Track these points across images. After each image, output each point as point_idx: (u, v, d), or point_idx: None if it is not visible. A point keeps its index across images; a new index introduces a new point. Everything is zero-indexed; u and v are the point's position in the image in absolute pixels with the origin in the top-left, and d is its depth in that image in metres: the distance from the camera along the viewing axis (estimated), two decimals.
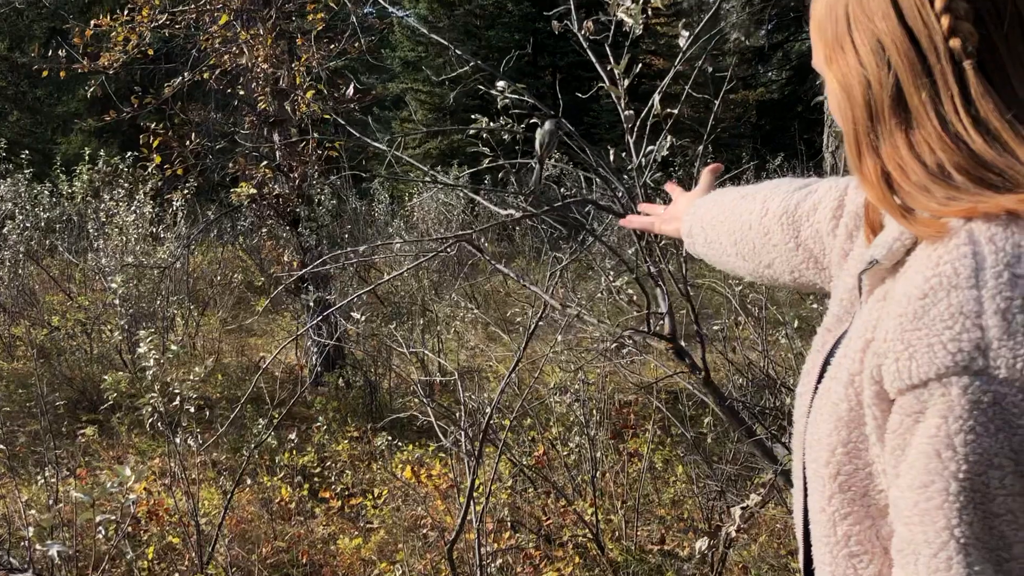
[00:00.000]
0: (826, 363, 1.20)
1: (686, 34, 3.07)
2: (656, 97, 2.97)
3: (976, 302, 0.95)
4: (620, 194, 3.14)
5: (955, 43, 1.01)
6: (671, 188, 2.06)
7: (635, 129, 3.00)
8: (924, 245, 1.03)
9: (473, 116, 3.24)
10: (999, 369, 0.92)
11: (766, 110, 23.75)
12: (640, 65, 3.26)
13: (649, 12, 3.13)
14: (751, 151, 20.13)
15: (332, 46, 7.65)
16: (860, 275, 1.14)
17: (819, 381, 1.20)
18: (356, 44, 7.68)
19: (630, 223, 2.07)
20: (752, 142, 21.37)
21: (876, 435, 1.05)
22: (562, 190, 8.86)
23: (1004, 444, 0.92)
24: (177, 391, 4.98)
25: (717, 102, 3.38)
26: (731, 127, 21.78)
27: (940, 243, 1.00)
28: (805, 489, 1.22)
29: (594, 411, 5.36)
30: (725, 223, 1.69)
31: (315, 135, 7.35)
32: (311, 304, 7.68)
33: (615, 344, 4.57)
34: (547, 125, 2.89)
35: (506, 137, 3.27)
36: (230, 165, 8.12)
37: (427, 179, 8.19)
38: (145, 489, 5.16)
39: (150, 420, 4.98)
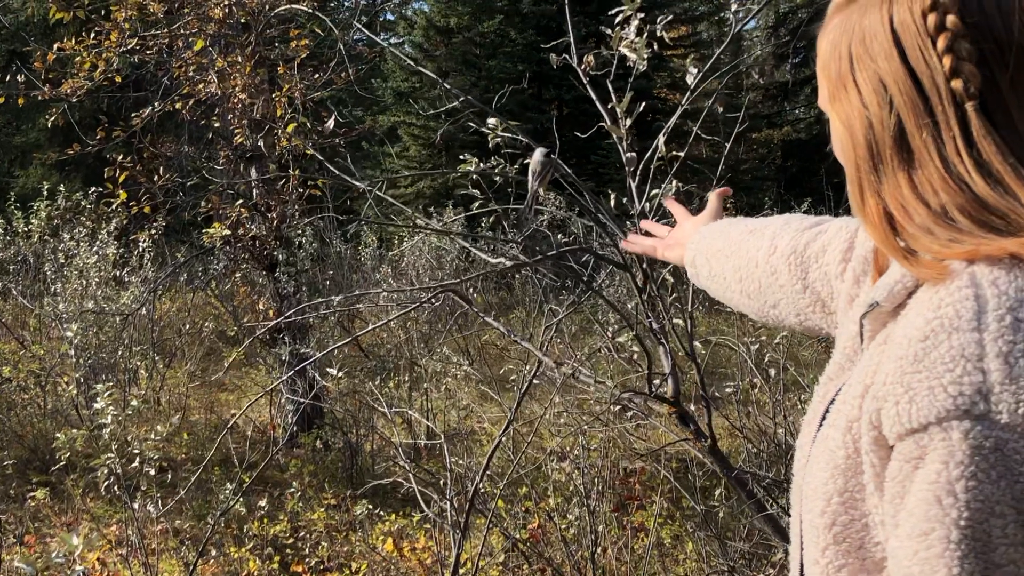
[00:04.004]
0: (826, 412, 1.24)
1: (695, 71, 3.12)
2: (661, 138, 3.02)
3: (978, 345, 0.99)
4: (627, 254, 3.17)
5: (957, 84, 1.07)
6: (672, 205, 2.11)
7: (637, 172, 3.04)
8: (926, 287, 1.09)
9: (462, 156, 3.29)
10: (1001, 414, 0.97)
11: (792, 151, 23.85)
12: (652, 101, 3.32)
13: (655, 46, 3.19)
14: (775, 195, 20.25)
15: (317, 75, 7.73)
16: (861, 319, 1.19)
17: (818, 431, 1.24)
18: (343, 74, 7.77)
19: (631, 246, 2.13)
20: (776, 185, 21.49)
21: (874, 484, 1.10)
22: (560, 237, 8.94)
23: (1006, 492, 0.96)
24: (137, 451, 4.99)
25: (728, 144, 3.43)
26: (753, 169, 21.87)
27: (942, 285, 1.06)
28: (802, 544, 1.26)
29: (596, 480, 5.36)
30: (731, 257, 1.75)
31: (296, 172, 7.41)
32: (286, 357, 7.69)
33: (618, 406, 4.58)
34: (537, 154, 2.93)
35: (497, 179, 3.32)
36: (202, 203, 8.17)
37: (414, 224, 8.21)
38: (98, 560, 5.15)
39: (106, 483, 4.98)
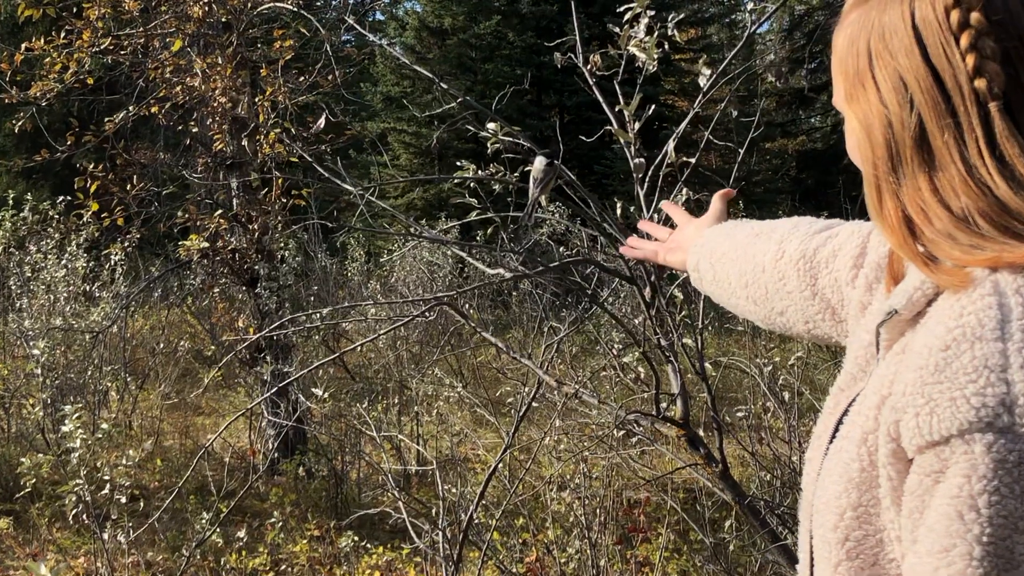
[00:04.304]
0: (838, 425, 1.25)
1: (707, 72, 3.13)
2: (671, 144, 3.03)
3: (1002, 355, 1.01)
4: (632, 262, 3.17)
5: (980, 84, 1.09)
6: (671, 208, 2.11)
7: (645, 180, 3.05)
8: (946, 295, 1.10)
9: (459, 163, 3.30)
10: None
11: (808, 162, 23.88)
12: (658, 107, 3.33)
13: (666, 47, 3.20)
14: (789, 209, 20.25)
15: (302, 78, 7.76)
16: (878, 327, 1.20)
17: (830, 443, 1.25)
18: (330, 76, 7.79)
19: (631, 251, 2.13)
20: (791, 199, 21.52)
21: (891, 498, 1.11)
22: (562, 249, 8.96)
23: None
24: (107, 478, 4.98)
25: (741, 152, 3.44)
26: (767, 180, 21.89)
27: (964, 293, 1.07)
28: (812, 561, 1.26)
29: (598, 510, 5.35)
30: (736, 262, 1.76)
31: (280, 180, 7.42)
32: (267, 377, 7.68)
33: (622, 432, 4.58)
34: (539, 161, 2.93)
35: (496, 187, 3.32)
36: (179, 214, 8.18)
37: (407, 233, 8.22)
38: None
39: (74, 511, 4.97)
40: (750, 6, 3.42)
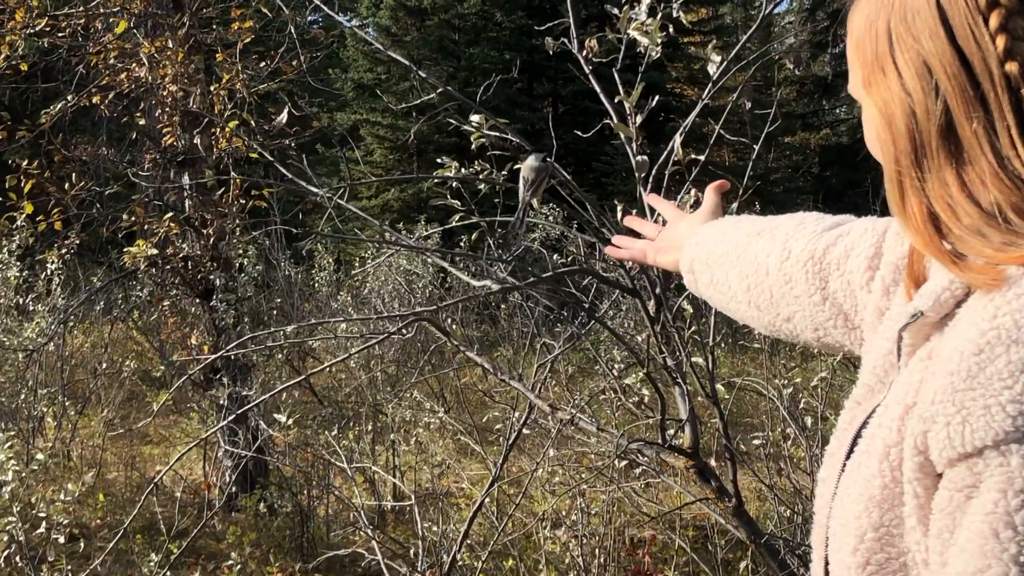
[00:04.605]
0: (856, 440, 1.26)
1: (717, 60, 3.14)
2: (677, 139, 3.04)
3: None
4: (629, 264, 3.19)
5: (1012, 67, 1.10)
6: (657, 203, 2.12)
7: (649, 179, 3.06)
8: (978, 295, 1.12)
9: (439, 160, 3.30)
10: None
11: (832, 158, 23.93)
12: (664, 96, 3.34)
13: (671, 29, 3.21)
14: (811, 210, 20.29)
15: (263, 64, 7.75)
16: (900, 331, 1.22)
17: (847, 460, 1.26)
18: (294, 62, 7.79)
19: (617, 251, 2.13)
20: (813, 199, 21.56)
21: (916, 516, 1.12)
22: (556, 257, 8.96)
23: None
24: (44, 515, 4.97)
25: (756, 148, 3.45)
26: (786, 179, 21.95)
27: (997, 293, 1.09)
28: None
29: (597, 551, 5.36)
30: (736, 263, 1.76)
31: (238, 179, 7.41)
32: (224, 402, 7.66)
33: (624, 461, 4.59)
34: (531, 160, 2.94)
35: (482, 188, 3.33)
36: (124, 217, 8.16)
37: (381, 240, 8.22)
38: None
39: (6, 552, 4.96)
40: None
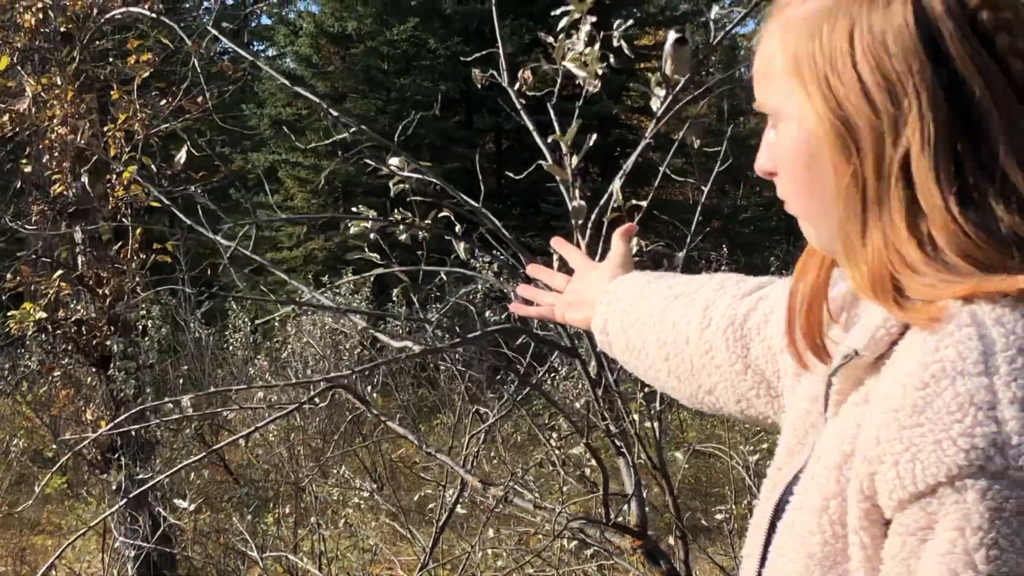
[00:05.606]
0: (781, 504, 1.30)
1: (661, 93, 3.12)
2: (617, 182, 3.06)
3: (988, 391, 1.06)
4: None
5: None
6: (563, 248, 2.14)
7: (588, 226, 3.07)
8: (913, 332, 1.16)
9: (355, 208, 3.31)
10: (1022, 470, 1.02)
11: None
12: (619, 130, 3.37)
13: (612, 61, 3.21)
14: (783, 253, 20.39)
15: (165, 101, 7.75)
16: (831, 376, 1.25)
17: (770, 531, 1.30)
18: (200, 98, 7.79)
19: (521, 308, 2.16)
20: (785, 241, 21.70)
21: (864, 570, 1.14)
22: (489, 315, 8.98)
23: None
24: None
25: (705, 188, 3.49)
26: (757, 218, 22.08)
27: (936, 328, 1.12)
28: None
29: None
30: (654, 329, 1.79)
31: (137, 231, 7.38)
32: (122, 483, 7.59)
33: (574, 541, 4.59)
34: (670, 37, 2.87)
35: (403, 238, 3.34)
36: (8, 276, 8.11)
37: (289, 300, 8.21)
38: None
39: None
40: (716, 9, 3.46)
